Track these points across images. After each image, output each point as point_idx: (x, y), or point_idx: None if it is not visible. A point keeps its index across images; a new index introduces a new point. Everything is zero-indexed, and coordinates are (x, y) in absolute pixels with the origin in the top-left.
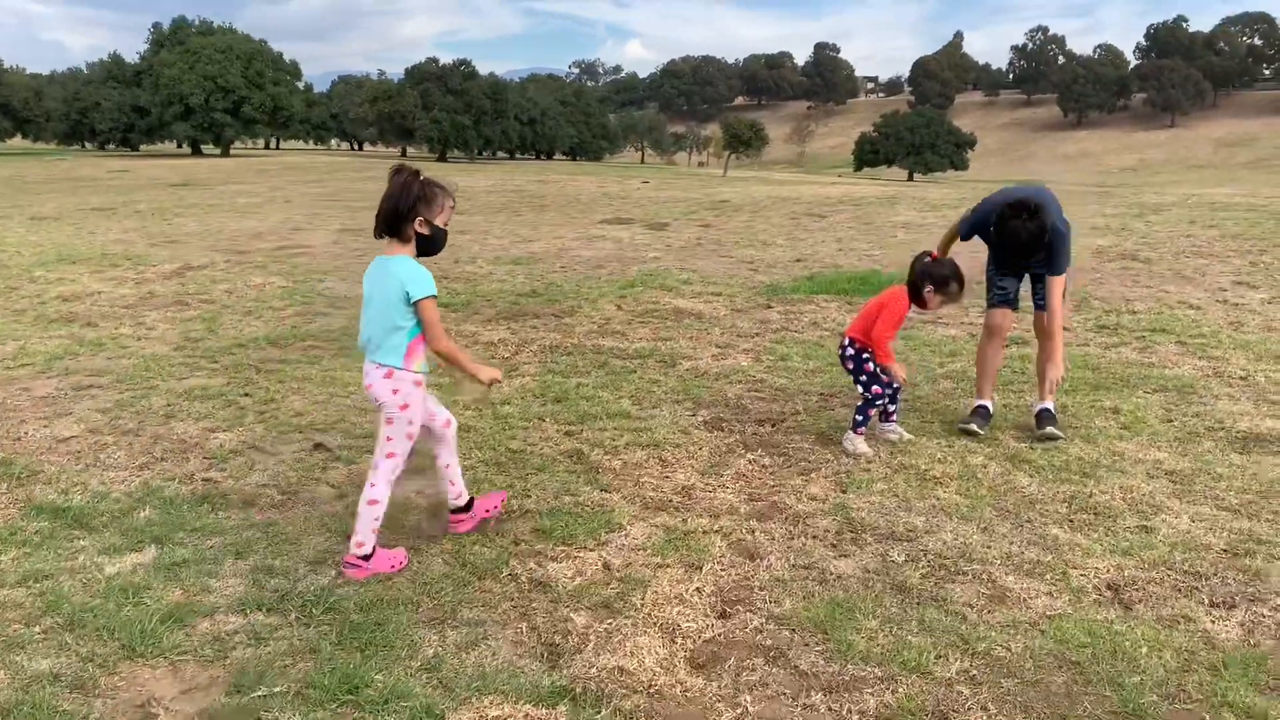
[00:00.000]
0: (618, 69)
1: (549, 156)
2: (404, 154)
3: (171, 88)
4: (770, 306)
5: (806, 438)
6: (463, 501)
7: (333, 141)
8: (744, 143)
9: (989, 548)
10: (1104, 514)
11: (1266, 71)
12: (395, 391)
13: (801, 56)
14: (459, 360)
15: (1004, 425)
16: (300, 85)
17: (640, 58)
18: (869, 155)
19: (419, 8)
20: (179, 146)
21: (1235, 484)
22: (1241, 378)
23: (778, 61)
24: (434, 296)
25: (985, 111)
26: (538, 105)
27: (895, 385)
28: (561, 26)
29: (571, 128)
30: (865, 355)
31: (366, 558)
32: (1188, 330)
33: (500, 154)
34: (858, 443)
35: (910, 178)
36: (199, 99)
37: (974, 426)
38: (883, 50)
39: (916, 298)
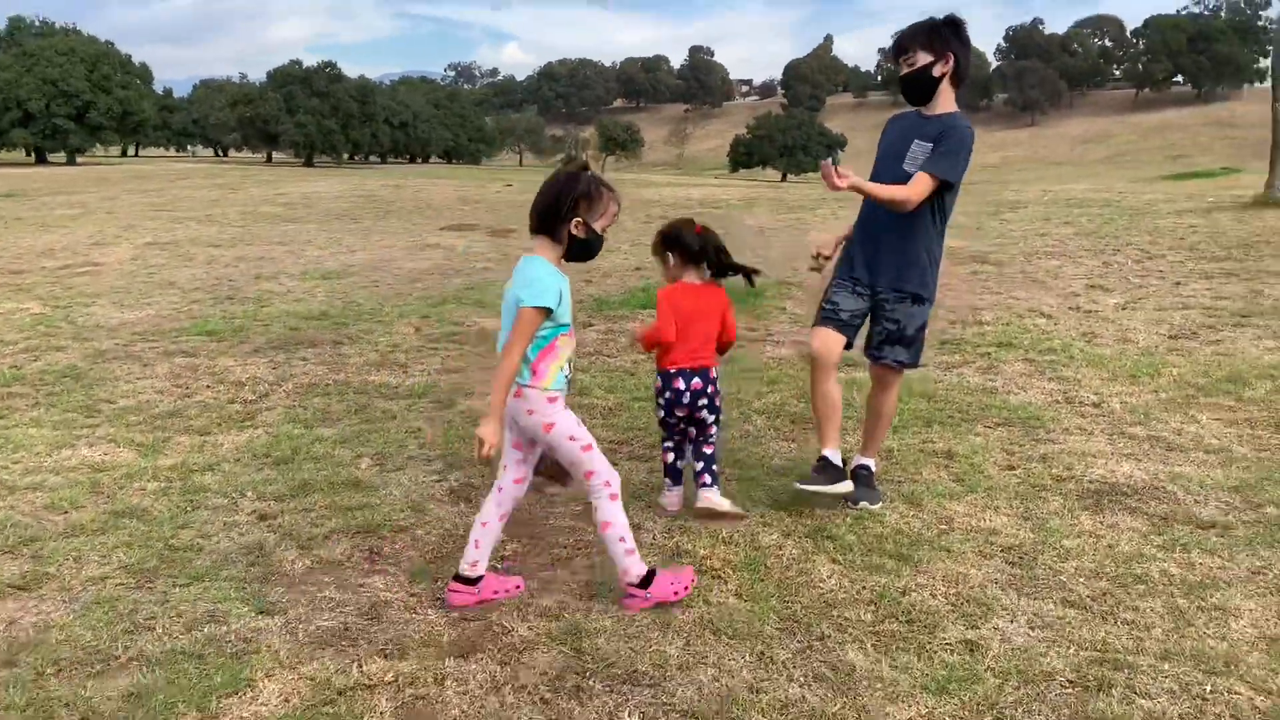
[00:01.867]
0: (494, 72)
1: (424, 160)
2: (269, 159)
3: (7, 92)
4: (591, 324)
5: (570, 509)
6: (474, 573)
7: (195, 148)
8: (620, 145)
9: (759, 693)
10: (919, 622)
11: (1117, 72)
12: (530, 413)
13: (677, 60)
14: (495, 392)
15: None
16: (154, 89)
17: (518, 61)
18: (744, 157)
19: (289, 10)
20: (27, 155)
21: (1086, 563)
22: (1094, 404)
23: (654, 64)
24: (545, 309)
25: (856, 113)
26: (409, 108)
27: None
28: (437, 30)
29: (446, 131)
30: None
31: (645, 584)
32: (1037, 344)
33: (372, 158)
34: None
35: (784, 178)
36: (39, 104)
37: (816, 487)
38: (757, 54)
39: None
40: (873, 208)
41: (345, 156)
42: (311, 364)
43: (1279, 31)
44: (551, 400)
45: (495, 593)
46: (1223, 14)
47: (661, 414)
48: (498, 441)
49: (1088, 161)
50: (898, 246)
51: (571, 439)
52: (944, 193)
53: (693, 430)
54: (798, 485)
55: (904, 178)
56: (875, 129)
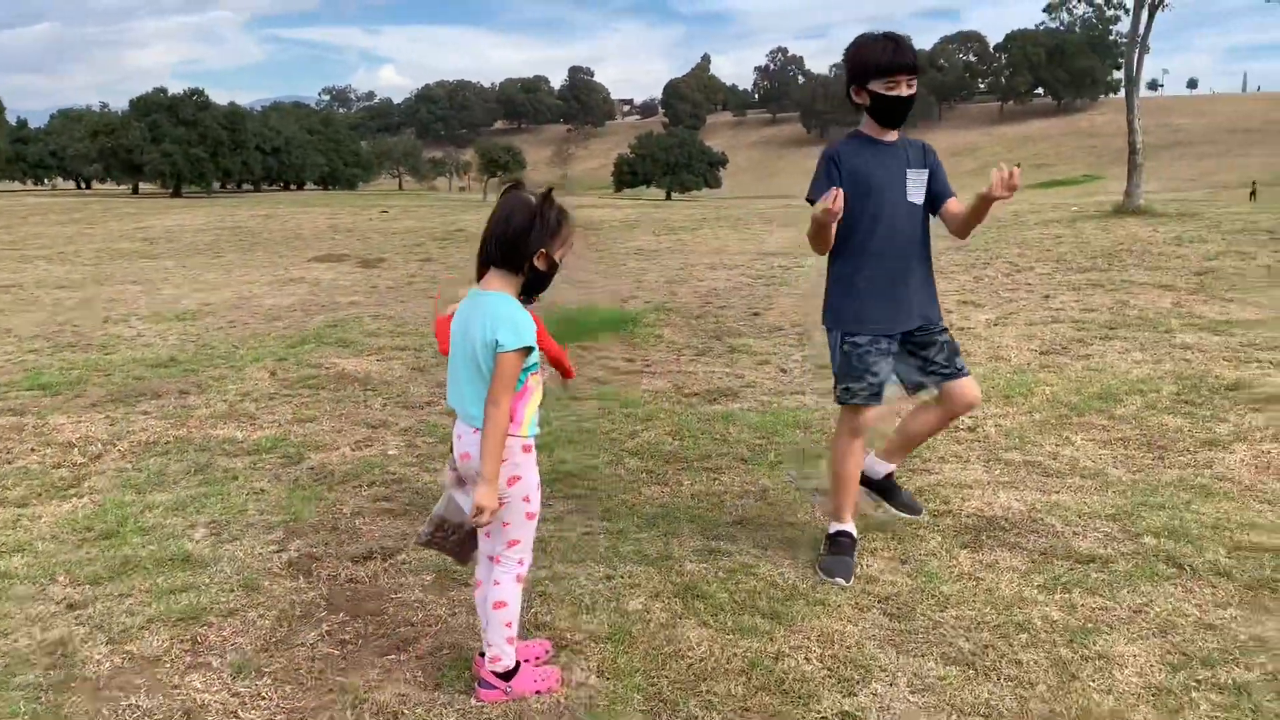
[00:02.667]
0: (371, 95)
1: (299, 187)
2: (135, 190)
3: None
4: None
5: (421, 580)
6: (503, 667)
7: (55, 180)
8: (501, 166)
9: None
10: (794, 692)
11: (982, 85)
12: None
13: (557, 80)
14: (490, 448)
15: (687, 527)
16: (5, 119)
17: (395, 83)
18: (628, 176)
19: (152, 37)
20: None
21: (966, 611)
22: (970, 428)
23: (534, 85)
24: (529, 350)
25: (736, 131)
26: (281, 134)
27: None
28: (310, 54)
29: (321, 156)
30: None
31: (509, 676)
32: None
33: (245, 186)
34: None
35: (669, 196)
36: None
37: (840, 580)
38: (636, 74)
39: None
40: (893, 249)
41: (216, 186)
42: (153, 418)
43: (1129, 47)
44: (527, 449)
45: (538, 685)
46: (1077, 29)
47: None
48: (498, 509)
49: (959, 174)
50: (927, 278)
51: (526, 500)
52: None
53: None
54: (822, 572)
55: (911, 210)
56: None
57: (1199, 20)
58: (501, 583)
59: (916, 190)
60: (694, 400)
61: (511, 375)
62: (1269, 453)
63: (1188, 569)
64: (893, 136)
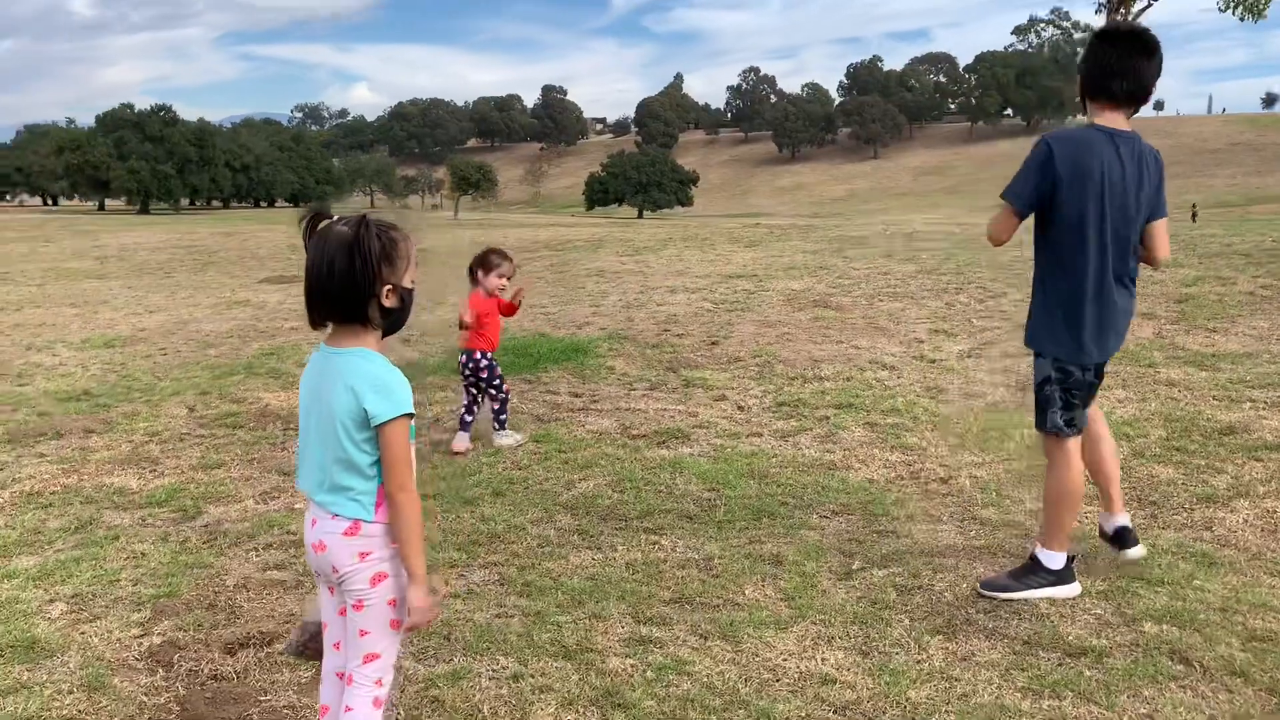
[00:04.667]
0: (344, 113)
1: (270, 204)
2: (102, 207)
3: None
4: None
5: (298, 678)
6: None
7: (22, 197)
8: (472, 184)
9: None
10: None
11: (952, 106)
12: (364, 556)
13: (530, 99)
14: (411, 539)
15: (617, 607)
16: None
17: (368, 101)
18: (599, 194)
19: (123, 54)
20: None
21: None
22: (942, 479)
23: (507, 104)
24: (410, 415)
25: (708, 149)
26: (251, 151)
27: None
28: (282, 71)
29: (291, 173)
30: (484, 362)
31: None
32: (879, 403)
33: (215, 203)
34: (513, 435)
35: (640, 215)
36: None
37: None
38: (609, 93)
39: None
40: (1109, 268)
41: (186, 202)
42: (46, 462)
43: None
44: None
45: None
46: (1045, 50)
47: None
48: (427, 615)
49: (929, 192)
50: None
51: (393, 604)
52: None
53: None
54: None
55: None
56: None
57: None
58: (354, 708)
59: None
60: (641, 443)
61: (405, 449)
62: (1275, 511)
63: (1197, 666)
64: None
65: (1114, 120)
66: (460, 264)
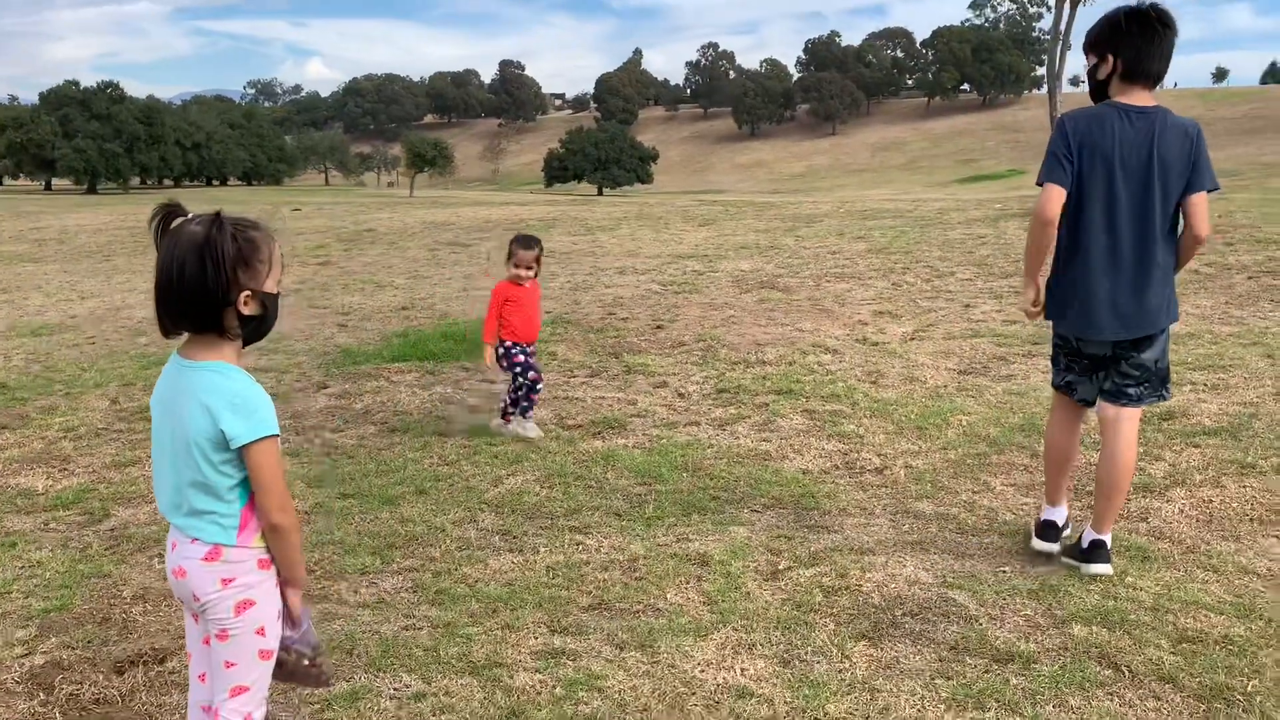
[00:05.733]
0: (298, 89)
1: (222, 183)
2: (48, 187)
3: None
4: (326, 386)
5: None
6: None
7: None
8: (428, 161)
9: None
10: None
11: (909, 81)
12: (227, 582)
13: (488, 74)
14: (292, 559)
15: (532, 615)
16: None
17: (322, 77)
18: (558, 171)
19: (70, 28)
20: None
21: None
22: (877, 469)
23: (464, 79)
24: (275, 436)
25: (667, 125)
26: (201, 129)
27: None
28: (235, 47)
29: (243, 151)
30: (515, 350)
31: None
32: (819, 388)
33: (166, 182)
34: (529, 426)
35: (600, 192)
36: None
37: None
38: (568, 68)
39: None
40: (1124, 244)
41: (136, 182)
42: None
43: (1052, 43)
44: (264, 564)
45: None
46: (1001, 26)
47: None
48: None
49: (887, 168)
50: None
51: (261, 633)
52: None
53: None
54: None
55: None
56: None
57: None
58: None
59: None
60: (575, 434)
61: (277, 470)
62: (1210, 501)
63: (1125, 672)
64: None
65: (1141, 98)
66: (408, 244)
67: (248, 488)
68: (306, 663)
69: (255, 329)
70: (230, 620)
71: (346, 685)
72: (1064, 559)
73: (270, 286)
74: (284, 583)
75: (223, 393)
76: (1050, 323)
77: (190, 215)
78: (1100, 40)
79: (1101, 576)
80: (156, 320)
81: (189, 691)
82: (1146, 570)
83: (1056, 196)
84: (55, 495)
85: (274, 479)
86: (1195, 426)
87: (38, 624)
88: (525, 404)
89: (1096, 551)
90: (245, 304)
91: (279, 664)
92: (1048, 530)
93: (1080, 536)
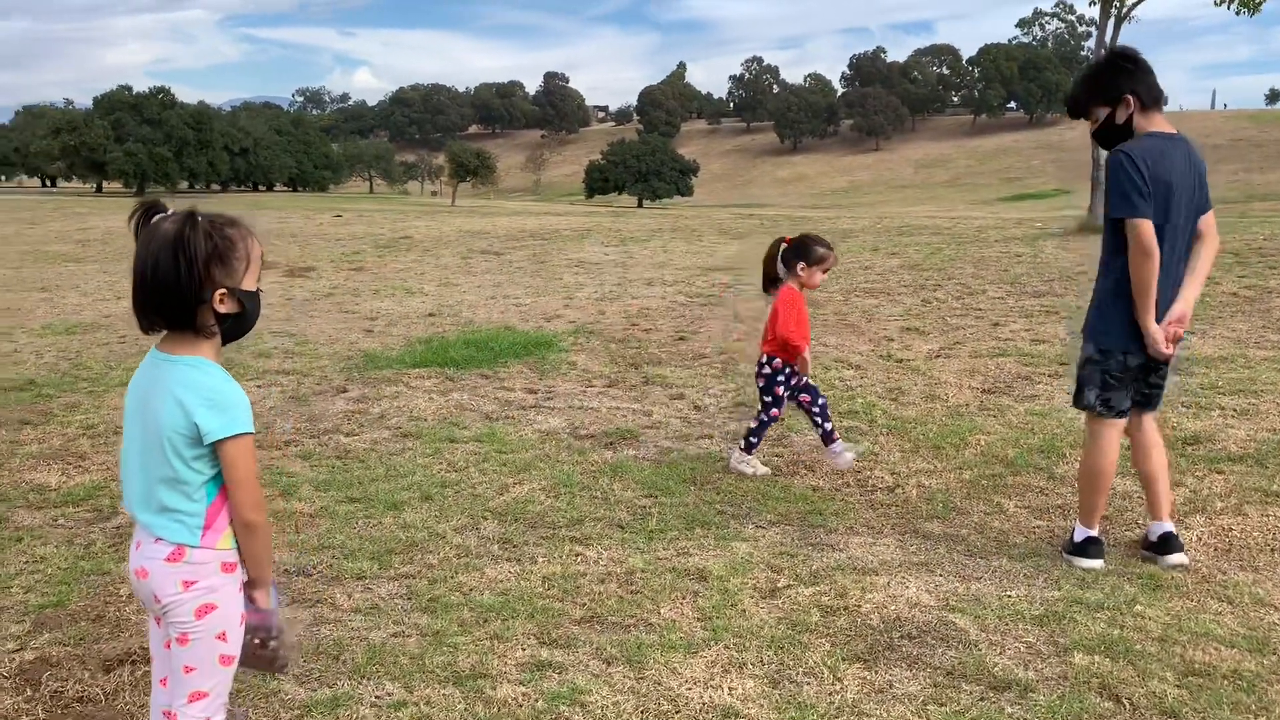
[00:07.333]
0: (345, 97)
1: (268, 188)
2: (99, 189)
3: None
4: (346, 390)
5: None
6: None
7: (20, 178)
8: (470, 171)
9: None
10: None
11: (955, 98)
12: (189, 585)
13: (533, 86)
14: (261, 558)
15: (523, 626)
16: None
17: (370, 86)
18: (599, 183)
19: (126, 35)
20: None
21: None
22: (889, 487)
23: (509, 90)
24: (250, 433)
25: (709, 139)
26: (250, 135)
27: (820, 400)
28: (285, 55)
29: (290, 158)
30: (779, 376)
31: None
32: (838, 404)
33: (213, 186)
34: (753, 464)
35: (640, 204)
36: None
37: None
38: (611, 80)
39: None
40: (1174, 266)
41: (184, 186)
42: None
43: (1095, 58)
44: (228, 568)
45: None
46: (1049, 44)
47: (780, 410)
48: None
49: (931, 185)
50: (1094, 301)
51: (222, 638)
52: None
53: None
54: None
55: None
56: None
57: (1169, 38)
58: None
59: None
60: (587, 444)
61: (250, 470)
62: (1230, 529)
63: (1126, 704)
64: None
65: (1164, 123)
66: (442, 252)
67: (216, 486)
68: (257, 642)
69: (234, 327)
70: (191, 624)
71: (329, 691)
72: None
73: (249, 284)
74: (252, 581)
75: (199, 388)
76: (1088, 344)
77: (169, 212)
78: (1107, 88)
79: (1180, 567)
80: (134, 317)
81: (151, 694)
82: (1157, 599)
83: (1152, 230)
84: (67, 491)
85: (248, 477)
86: (1220, 452)
87: (33, 619)
88: (754, 439)
89: (1173, 541)
90: (221, 302)
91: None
92: (1097, 545)
93: (1147, 533)
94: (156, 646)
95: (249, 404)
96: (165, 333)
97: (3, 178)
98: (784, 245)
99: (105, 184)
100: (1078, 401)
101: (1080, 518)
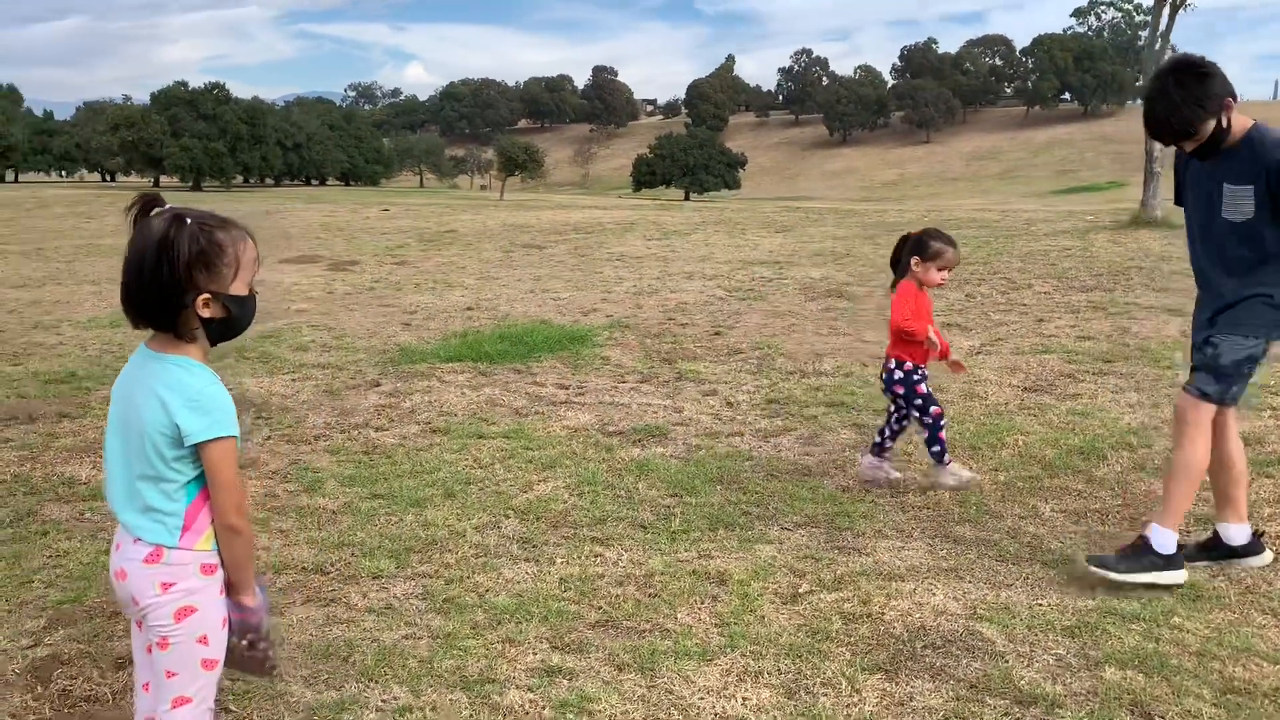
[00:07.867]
0: (396, 92)
1: (321, 182)
2: (156, 184)
3: None
4: (379, 384)
5: None
6: None
7: (81, 172)
8: (519, 165)
9: None
10: None
11: (1008, 90)
12: (167, 587)
13: (581, 80)
14: (241, 562)
15: (535, 629)
16: (28, 112)
17: (421, 81)
18: (647, 176)
19: (182, 32)
20: None
21: None
22: (921, 489)
23: (558, 84)
24: (233, 437)
25: (758, 132)
26: (302, 130)
27: (906, 422)
28: (338, 50)
29: (341, 153)
30: (916, 376)
31: None
32: (873, 402)
33: (267, 180)
34: (958, 472)
35: (687, 197)
36: None
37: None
38: (660, 74)
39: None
40: (1199, 272)
41: (238, 180)
42: (8, 449)
43: (1148, 54)
44: (208, 570)
45: None
46: (1105, 34)
47: (939, 406)
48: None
49: (982, 177)
50: (1234, 305)
51: (203, 641)
52: None
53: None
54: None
55: (1233, 228)
56: (776, 147)
57: (1228, 27)
58: None
59: (1233, 208)
60: (615, 441)
61: (232, 473)
62: (1278, 538)
63: None
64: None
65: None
66: (485, 245)
67: (197, 487)
68: (245, 643)
69: (221, 330)
70: (170, 627)
71: (335, 694)
72: (1210, 562)
73: (238, 289)
74: (231, 586)
75: (182, 388)
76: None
77: (164, 208)
78: (1213, 95)
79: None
80: (124, 312)
81: (134, 699)
82: (1197, 610)
83: None
84: (96, 485)
85: (230, 480)
86: (1270, 455)
87: (50, 615)
88: (936, 447)
89: (1258, 542)
90: (205, 306)
91: (228, 650)
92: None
93: (1225, 538)
94: (139, 651)
95: (234, 407)
96: (153, 331)
97: (65, 173)
98: (906, 240)
99: (163, 179)
100: (1211, 397)
101: (1166, 519)
